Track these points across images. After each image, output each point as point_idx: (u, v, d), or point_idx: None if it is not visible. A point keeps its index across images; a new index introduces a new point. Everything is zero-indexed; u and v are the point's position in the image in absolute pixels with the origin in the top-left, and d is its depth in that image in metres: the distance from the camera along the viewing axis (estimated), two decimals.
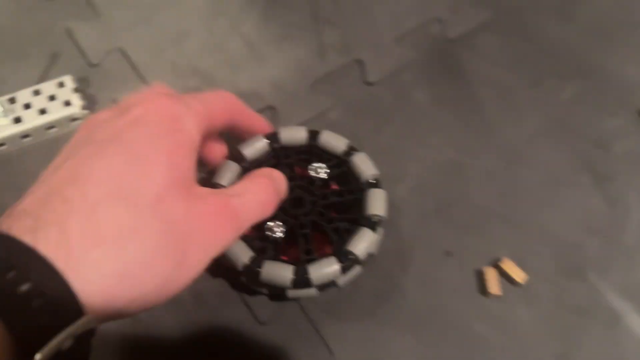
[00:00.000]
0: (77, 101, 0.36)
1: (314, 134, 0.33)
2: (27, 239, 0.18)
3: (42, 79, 0.39)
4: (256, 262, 0.30)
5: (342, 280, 0.31)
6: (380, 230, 0.32)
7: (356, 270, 0.32)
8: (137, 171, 0.21)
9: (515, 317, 0.34)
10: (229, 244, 0.25)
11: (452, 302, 0.34)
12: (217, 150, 0.32)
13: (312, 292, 0.31)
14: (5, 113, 0.35)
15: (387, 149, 0.39)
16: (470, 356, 0.33)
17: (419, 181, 0.38)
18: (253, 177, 0.29)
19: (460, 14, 0.44)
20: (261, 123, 0.33)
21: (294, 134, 0.33)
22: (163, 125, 0.23)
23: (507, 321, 0.34)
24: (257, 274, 0.29)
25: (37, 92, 0.36)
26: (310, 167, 0.32)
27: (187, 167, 0.24)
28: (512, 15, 0.45)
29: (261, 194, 0.28)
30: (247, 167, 0.33)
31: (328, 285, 0.31)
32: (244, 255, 0.30)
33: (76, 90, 0.37)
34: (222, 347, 0.33)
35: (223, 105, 0.29)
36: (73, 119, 0.37)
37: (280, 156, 0.34)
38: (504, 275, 0.35)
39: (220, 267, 0.32)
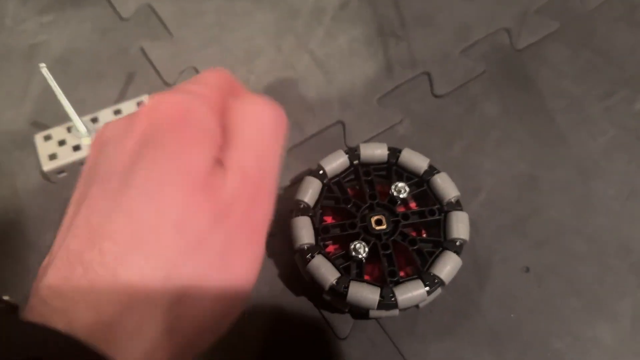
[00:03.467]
0: None
1: (394, 152, 0.33)
2: (61, 325, 0.17)
3: (120, 98, 0.40)
4: (342, 283, 0.30)
5: (425, 302, 0.32)
6: None
7: (437, 292, 0.32)
8: (154, 217, 0.19)
9: (595, 334, 0.33)
10: None
11: (530, 318, 0.34)
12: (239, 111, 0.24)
13: (394, 312, 0.31)
14: (89, 132, 0.36)
15: (458, 163, 0.39)
16: None
17: (492, 195, 0.38)
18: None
19: (528, 24, 0.44)
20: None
21: (375, 151, 0.33)
22: (173, 139, 0.20)
23: (587, 338, 0.33)
24: (344, 294, 0.30)
25: (117, 112, 0.38)
26: (393, 186, 0.33)
27: (206, 170, 0.20)
28: (579, 24, 0.44)
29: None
30: (327, 183, 0.33)
31: (410, 307, 0.31)
32: (330, 275, 0.30)
33: None
34: None
35: (222, 84, 0.24)
36: None
37: (360, 172, 0.34)
38: None
39: (303, 284, 0.33)
